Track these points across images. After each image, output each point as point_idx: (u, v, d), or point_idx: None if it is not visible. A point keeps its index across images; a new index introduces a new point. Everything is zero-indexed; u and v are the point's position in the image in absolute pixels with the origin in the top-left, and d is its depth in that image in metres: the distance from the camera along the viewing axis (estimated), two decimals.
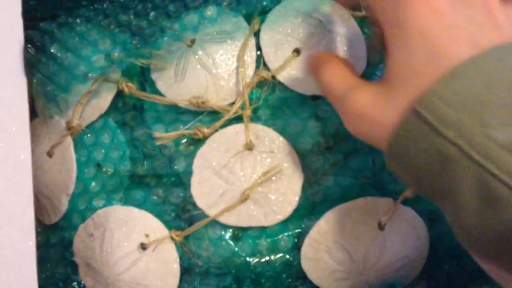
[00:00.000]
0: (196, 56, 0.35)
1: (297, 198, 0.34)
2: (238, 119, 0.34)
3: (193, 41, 0.35)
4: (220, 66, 0.34)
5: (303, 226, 0.34)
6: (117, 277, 0.34)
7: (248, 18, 0.36)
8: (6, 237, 0.30)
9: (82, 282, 0.36)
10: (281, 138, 0.34)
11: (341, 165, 0.34)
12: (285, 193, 0.33)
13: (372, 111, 0.25)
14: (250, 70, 0.35)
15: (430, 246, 0.35)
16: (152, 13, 0.36)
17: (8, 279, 0.30)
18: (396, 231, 0.34)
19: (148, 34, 0.36)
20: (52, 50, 0.36)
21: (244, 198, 0.33)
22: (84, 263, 0.36)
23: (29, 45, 0.35)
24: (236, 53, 0.35)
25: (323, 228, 0.33)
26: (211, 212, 0.34)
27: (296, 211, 0.34)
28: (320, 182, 0.34)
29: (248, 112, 0.33)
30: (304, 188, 0.34)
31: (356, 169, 0.34)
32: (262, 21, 0.36)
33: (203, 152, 0.34)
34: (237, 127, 0.34)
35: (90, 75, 0.35)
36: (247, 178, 0.34)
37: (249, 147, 0.34)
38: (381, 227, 0.33)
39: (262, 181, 0.33)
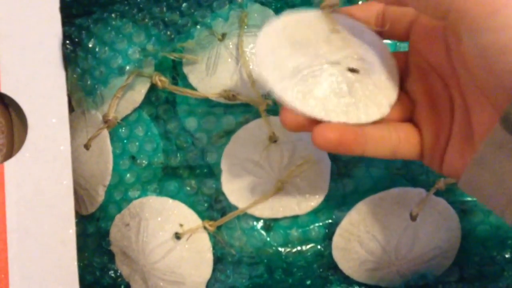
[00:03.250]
0: (227, 50, 0.35)
1: (327, 184, 0.34)
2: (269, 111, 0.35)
3: (224, 35, 0.36)
4: (250, 59, 0.35)
5: (334, 216, 0.35)
6: (153, 266, 0.35)
7: (278, 12, 0.37)
8: (47, 225, 0.31)
9: (119, 271, 0.37)
10: None
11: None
12: (315, 180, 0.34)
13: None
14: None
15: (462, 237, 0.35)
16: (184, 4, 0.36)
17: (50, 266, 0.31)
18: (428, 222, 0.34)
19: (180, 25, 0.36)
20: (89, 45, 0.37)
21: (278, 189, 0.33)
22: (120, 252, 0.37)
23: (67, 41, 0.36)
24: None
25: (355, 218, 0.34)
26: (244, 206, 0.34)
27: (327, 201, 0.34)
28: (351, 173, 0.35)
29: (263, 105, 0.34)
30: (335, 179, 0.34)
31: (387, 160, 0.34)
32: None
33: (229, 150, 0.35)
34: (260, 122, 0.35)
35: (126, 68, 0.36)
36: (275, 170, 0.34)
37: (274, 139, 0.34)
38: (413, 217, 0.33)
39: (296, 173, 0.33)
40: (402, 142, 0.28)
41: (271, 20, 0.28)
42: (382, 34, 0.29)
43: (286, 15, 0.28)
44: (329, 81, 0.26)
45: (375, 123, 0.27)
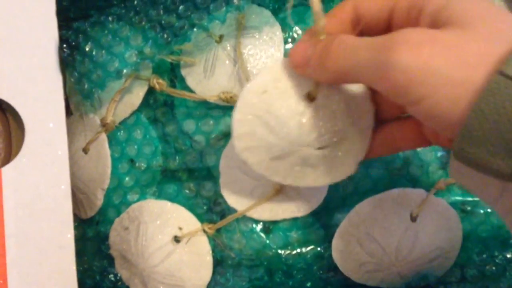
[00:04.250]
0: (225, 52, 0.35)
1: (326, 187, 0.34)
2: None
3: (221, 37, 0.36)
4: (248, 61, 0.35)
5: (333, 218, 0.35)
6: (152, 269, 0.35)
7: (276, 13, 0.36)
8: (46, 230, 0.31)
9: (118, 274, 0.37)
10: None
11: None
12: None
13: (444, 67, 0.20)
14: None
15: (463, 238, 0.34)
16: (181, 7, 0.36)
17: (49, 271, 0.31)
18: (429, 222, 0.33)
19: (178, 27, 0.36)
20: (86, 49, 0.37)
21: (277, 191, 0.33)
22: (120, 256, 0.37)
23: (64, 45, 0.36)
24: (264, 48, 0.35)
25: (354, 220, 0.33)
26: (244, 209, 0.34)
27: (326, 203, 0.34)
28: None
29: None
30: None
31: (387, 160, 0.34)
32: (286, 16, 0.37)
33: (227, 153, 0.35)
34: None
35: (124, 71, 0.36)
36: None
37: None
38: (413, 218, 0.33)
39: None
40: (400, 141, 0.28)
41: (253, 80, 0.28)
42: (364, 34, 0.27)
43: (267, 70, 0.28)
44: (297, 161, 0.29)
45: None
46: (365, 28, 0.26)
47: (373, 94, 0.28)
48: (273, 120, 0.27)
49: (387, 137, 0.28)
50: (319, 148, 0.28)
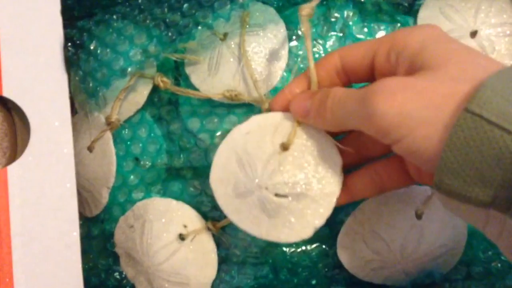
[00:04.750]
0: (229, 50, 0.35)
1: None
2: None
3: (225, 35, 0.36)
4: (253, 59, 0.35)
5: (339, 215, 0.35)
6: (157, 267, 0.35)
7: (280, 10, 0.36)
8: (51, 228, 0.31)
9: (124, 273, 0.37)
10: None
11: None
12: None
13: (415, 110, 0.23)
14: (282, 61, 0.35)
15: (469, 235, 0.34)
16: (185, 5, 0.36)
17: (54, 269, 0.31)
18: (434, 219, 0.33)
19: (182, 26, 0.36)
20: (91, 47, 0.37)
21: None
22: (125, 254, 0.37)
23: (68, 44, 0.36)
24: (269, 46, 0.35)
25: (359, 217, 0.33)
26: None
27: None
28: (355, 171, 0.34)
29: (266, 105, 0.33)
30: None
31: None
32: (292, 13, 0.36)
33: None
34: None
35: (128, 70, 0.36)
36: None
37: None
38: (418, 216, 0.33)
39: None
40: (386, 181, 0.30)
41: (244, 121, 0.31)
42: (351, 79, 0.30)
43: (256, 117, 0.31)
44: (255, 203, 0.30)
45: (355, 172, 0.30)
46: (351, 74, 0.29)
47: (359, 135, 0.30)
48: (245, 158, 0.30)
49: (375, 178, 0.30)
50: (277, 195, 0.29)
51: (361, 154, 0.31)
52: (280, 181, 0.29)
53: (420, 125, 0.22)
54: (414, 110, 0.22)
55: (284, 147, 0.29)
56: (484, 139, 0.21)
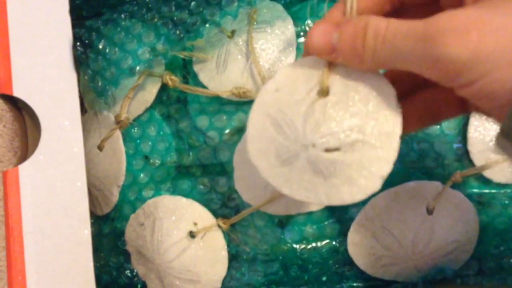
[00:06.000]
0: (237, 47, 0.35)
1: None
2: None
3: (233, 32, 0.36)
4: (261, 56, 0.35)
5: (348, 212, 0.34)
6: (168, 265, 0.35)
7: (287, 7, 0.36)
8: (63, 226, 0.31)
9: (135, 270, 0.37)
10: None
11: None
12: None
13: (493, 51, 0.19)
14: (290, 58, 0.35)
15: (480, 230, 0.34)
16: (192, 3, 0.36)
17: (66, 267, 0.31)
18: (445, 215, 0.33)
19: (190, 23, 0.36)
20: (100, 46, 0.37)
21: None
22: (136, 252, 0.37)
23: (77, 43, 0.36)
24: (276, 42, 0.35)
25: (370, 213, 0.33)
26: (258, 204, 0.34)
27: None
28: None
29: None
30: None
31: (402, 153, 0.34)
32: (300, 10, 0.36)
33: (241, 147, 0.34)
34: None
35: (137, 68, 0.36)
36: None
37: None
38: (429, 211, 0.33)
39: None
40: (444, 109, 0.26)
41: (269, 79, 0.27)
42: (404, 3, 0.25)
43: (282, 69, 0.26)
44: (305, 167, 0.25)
45: (408, 101, 0.26)
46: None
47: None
48: (281, 117, 0.25)
49: (432, 106, 0.26)
50: (327, 151, 0.24)
51: (414, 79, 0.25)
52: (326, 132, 0.24)
53: (498, 67, 0.19)
54: (492, 51, 0.19)
55: (322, 92, 0.24)
56: None
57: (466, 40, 0.20)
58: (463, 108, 0.26)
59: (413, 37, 0.21)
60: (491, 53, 0.19)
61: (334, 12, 0.25)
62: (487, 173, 0.34)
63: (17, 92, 0.32)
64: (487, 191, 0.34)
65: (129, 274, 0.37)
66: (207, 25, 0.36)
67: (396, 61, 0.22)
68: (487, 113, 0.24)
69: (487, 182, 0.34)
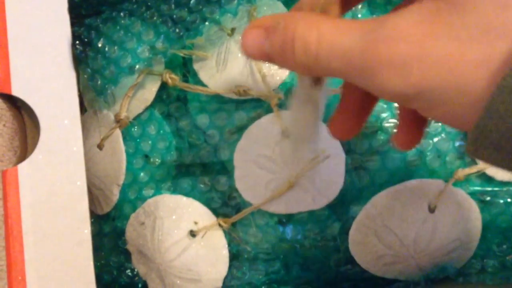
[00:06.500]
0: (237, 45, 0.35)
1: (342, 178, 0.33)
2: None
3: (233, 30, 0.35)
4: None
5: (350, 210, 0.34)
6: (169, 264, 0.35)
7: (288, 4, 0.36)
8: (62, 226, 0.31)
9: (135, 270, 0.37)
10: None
11: (387, 148, 0.34)
12: (330, 174, 0.33)
13: (437, 88, 0.17)
14: None
15: (483, 228, 0.34)
16: (192, 1, 0.36)
17: (66, 267, 0.31)
18: (447, 213, 0.33)
19: (189, 22, 0.36)
20: (99, 45, 0.37)
21: (290, 185, 0.33)
22: (136, 251, 0.37)
23: (77, 42, 0.36)
24: None
25: (371, 212, 0.33)
26: (259, 202, 0.34)
27: (342, 195, 0.34)
28: (366, 166, 0.34)
29: (275, 100, 0.33)
30: (350, 173, 0.34)
31: (403, 151, 0.34)
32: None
33: (241, 146, 0.34)
34: (272, 117, 0.34)
35: (136, 67, 0.36)
36: (289, 165, 0.34)
37: (286, 134, 0.34)
38: (431, 209, 0.33)
39: (309, 168, 0.33)
40: None
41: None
42: None
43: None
44: None
45: None
46: None
47: None
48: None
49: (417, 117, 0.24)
50: None
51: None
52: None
53: (444, 103, 0.17)
54: (436, 89, 0.17)
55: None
56: None
57: (406, 76, 0.17)
58: None
59: (351, 66, 0.18)
60: (434, 90, 0.17)
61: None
62: (490, 171, 0.33)
63: (16, 91, 0.32)
64: (489, 189, 0.34)
65: (129, 274, 0.37)
66: (206, 23, 0.36)
67: (334, 75, 0.20)
68: None
69: (489, 180, 0.34)
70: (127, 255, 0.37)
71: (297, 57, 0.20)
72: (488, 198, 0.34)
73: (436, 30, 0.17)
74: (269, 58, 0.21)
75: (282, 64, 0.21)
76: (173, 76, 0.36)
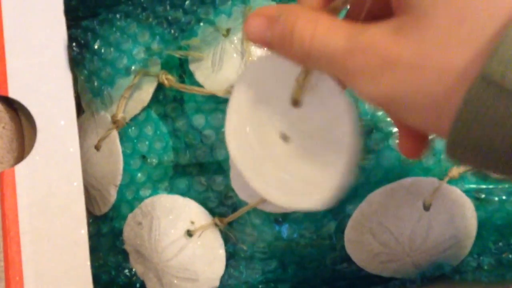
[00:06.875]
0: (232, 45, 0.35)
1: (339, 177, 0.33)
2: None
3: (228, 31, 0.36)
4: (256, 54, 0.35)
5: (345, 209, 0.34)
6: (166, 263, 0.35)
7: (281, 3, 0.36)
8: (60, 226, 0.31)
9: (133, 269, 0.37)
10: None
11: (382, 146, 0.34)
12: None
13: (406, 96, 0.18)
14: None
15: (478, 226, 0.34)
16: (187, 2, 0.36)
17: (64, 267, 0.31)
18: (442, 211, 0.33)
19: (184, 23, 0.36)
20: (95, 47, 0.37)
21: None
22: (134, 251, 0.37)
23: (73, 44, 0.36)
24: None
25: (366, 210, 0.33)
26: (255, 202, 0.34)
27: None
28: (361, 164, 0.34)
29: None
30: None
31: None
32: None
33: None
34: None
35: (132, 68, 0.36)
36: None
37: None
38: (426, 207, 0.33)
39: None
40: None
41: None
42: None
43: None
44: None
45: None
46: None
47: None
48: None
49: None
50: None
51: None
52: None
53: (415, 111, 0.19)
54: (405, 96, 0.18)
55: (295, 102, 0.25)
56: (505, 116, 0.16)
57: (378, 82, 0.19)
58: None
59: (335, 67, 0.20)
60: (404, 96, 0.18)
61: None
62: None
63: (12, 93, 0.32)
64: (484, 186, 0.34)
65: (127, 273, 0.37)
66: (201, 24, 0.36)
67: (323, 68, 0.21)
68: None
69: (484, 177, 0.34)
70: (125, 255, 0.38)
71: (293, 49, 0.21)
72: (483, 196, 0.34)
73: (402, 42, 0.18)
74: (269, 45, 0.22)
75: (281, 53, 0.22)
76: (169, 77, 0.36)
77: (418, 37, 0.18)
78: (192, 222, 0.35)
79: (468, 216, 0.33)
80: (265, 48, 0.23)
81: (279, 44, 0.22)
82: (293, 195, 0.25)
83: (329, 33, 0.20)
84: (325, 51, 0.20)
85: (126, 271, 0.37)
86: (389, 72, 0.18)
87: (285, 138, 0.25)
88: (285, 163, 0.25)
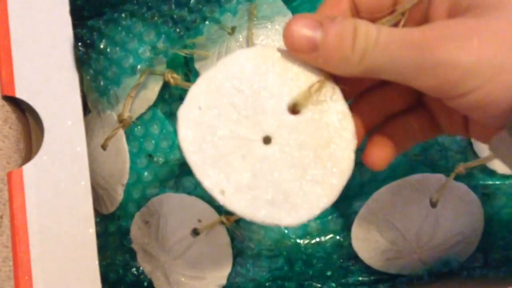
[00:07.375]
0: (237, 43, 0.35)
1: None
2: None
3: (233, 29, 0.36)
4: None
5: (352, 206, 0.34)
6: (173, 262, 0.35)
7: (287, 2, 0.36)
8: (68, 226, 0.31)
9: (141, 268, 0.38)
10: None
11: None
12: None
13: (496, 56, 0.19)
14: None
15: (485, 222, 0.34)
16: (192, 0, 0.36)
17: (72, 266, 0.31)
18: (449, 207, 0.33)
19: (189, 21, 0.36)
20: (101, 46, 0.37)
21: None
22: (141, 250, 0.37)
23: (79, 43, 0.36)
24: (277, 38, 0.35)
25: (373, 207, 0.33)
26: None
27: (345, 191, 0.34)
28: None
29: None
30: None
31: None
32: (300, 5, 0.36)
33: None
34: None
35: (138, 67, 0.36)
36: None
37: None
38: (433, 204, 0.33)
39: None
40: (418, 133, 0.26)
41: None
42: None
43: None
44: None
45: (387, 126, 0.26)
46: (365, 14, 0.24)
47: (381, 87, 0.26)
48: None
49: (408, 130, 0.26)
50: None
51: (383, 110, 0.26)
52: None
53: (501, 73, 0.19)
54: (495, 56, 0.19)
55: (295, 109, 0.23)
56: None
57: (467, 46, 0.19)
58: (436, 131, 0.26)
59: (409, 44, 0.20)
60: (494, 58, 0.19)
61: (320, 11, 0.24)
62: (491, 165, 0.33)
63: (19, 93, 0.32)
64: (491, 182, 0.34)
65: (135, 272, 0.38)
66: (207, 22, 0.36)
67: (385, 68, 0.21)
68: (453, 125, 0.25)
69: (491, 173, 0.34)
70: (133, 253, 0.38)
71: (357, 42, 0.20)
72: (490, 192, 0.34)
73: (479, 18, 0.20)
74: (314, 48, 0.21)
75: (330, 55, 0.21)
76: (175, 75, 0.36)
77: (498, 14, 0.20)
78: (199, 221, 0.35)
79: (475, 212, 0.33)
80: (303, 54, 0.22)
81: (335, 42, 0.21)
82: (260, 201, 0.23)
83: (395, 30, 0.21)
84: (395, 35, 0.20)
85: (134, 269, 0.38)
86: (478, 37, 0.19)
87: (266, 140, 0.23)
88: (260, 164, 0.23)
